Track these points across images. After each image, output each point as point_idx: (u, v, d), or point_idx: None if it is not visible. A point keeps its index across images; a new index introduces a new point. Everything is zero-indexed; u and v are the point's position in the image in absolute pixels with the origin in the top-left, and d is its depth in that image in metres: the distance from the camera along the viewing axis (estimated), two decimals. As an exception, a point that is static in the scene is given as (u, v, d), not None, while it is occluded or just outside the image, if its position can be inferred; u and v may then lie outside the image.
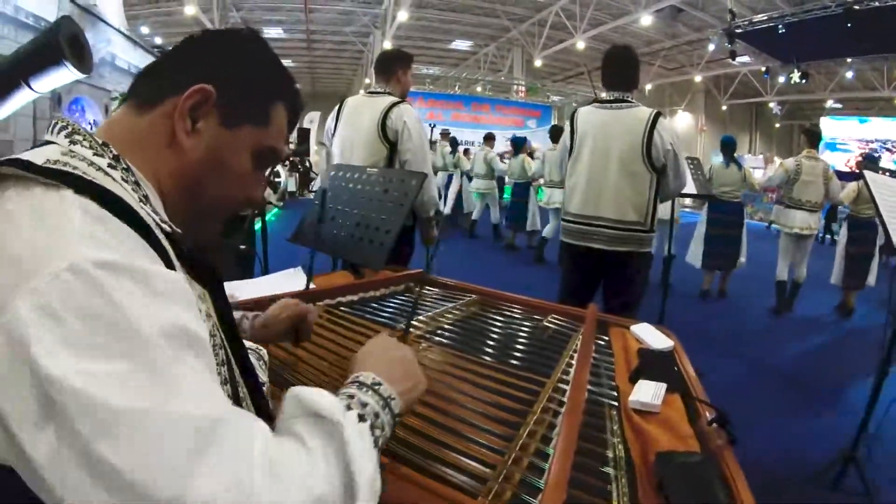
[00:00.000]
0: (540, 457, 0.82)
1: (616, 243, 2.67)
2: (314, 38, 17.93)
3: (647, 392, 1.01)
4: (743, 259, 5.86)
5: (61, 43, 1.64)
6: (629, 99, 2.71)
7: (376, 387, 0.67)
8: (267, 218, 9.33)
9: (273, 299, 1.46)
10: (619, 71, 2.76)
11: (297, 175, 13.87)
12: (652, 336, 1.36)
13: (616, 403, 1.04)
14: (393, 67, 2.99)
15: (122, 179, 0.60)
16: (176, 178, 0.67)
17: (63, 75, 1.72)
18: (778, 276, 5.60)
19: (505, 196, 10.38)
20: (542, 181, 8.32)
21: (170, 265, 0.57)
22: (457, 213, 10.18)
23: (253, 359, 0.82)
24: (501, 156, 9.89)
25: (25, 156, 0.55)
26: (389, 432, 0.66)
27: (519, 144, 8.53)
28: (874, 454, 2.37)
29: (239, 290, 1.73)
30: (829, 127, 16.32)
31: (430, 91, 17.55)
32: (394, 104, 2.82)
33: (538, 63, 17.05)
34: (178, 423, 0.45)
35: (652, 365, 1.15)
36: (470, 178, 9.68)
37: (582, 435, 0.88)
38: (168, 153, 0.66)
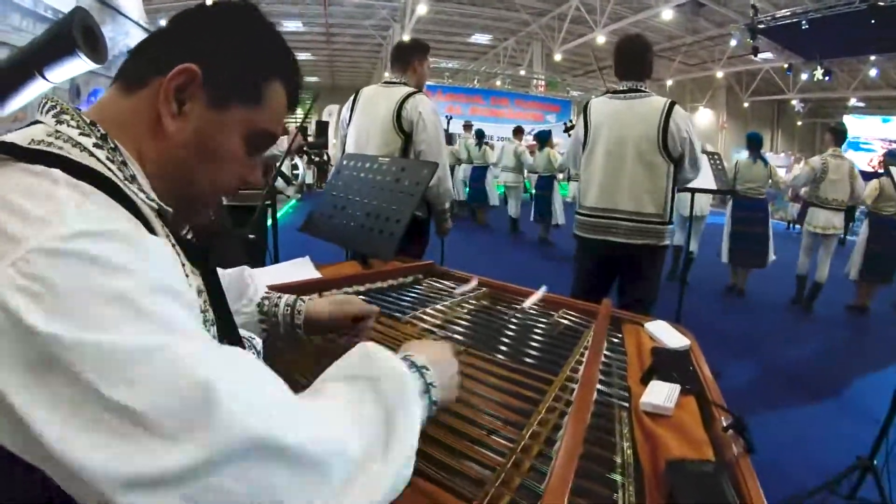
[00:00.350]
0: (543, 460, 0.78)
1: (634, 236, 2.62)
2: (333, 32, 17.91)
3: (660, 394, 0.96)
4: (774, 256, 5.76)
5: (74, 33, 1.63)
6: (643, 88, 2.66)
7: (424, 370, 0.71)
8: (284, 210, 9.40)
9: (282, 288, 1.44)
10: (632, 60, 2.71)
11: (315, 168, 13.90)
12: (667, 334, 1.30)
13: (626, 405, 0.99)
14: (409, 58, 2.96)
15: (108, 159, 0.57)
16: (162, 162, 0.64)
17: (77, 65, 1.71)
18: (799, 270, 5.64)
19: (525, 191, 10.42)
20: (561, 176, 8.37)
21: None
22: (480, 206, 10.17)
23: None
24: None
25: (9, 137, 0.54)
26: (426, 414, 0.68)
27: (544, 139, 8.62)
28: (893, 463, 2.29)
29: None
30: (852, 126, 15.97)
31: (449, 84, 17.50)
32: (409, 94, 2.78)
33: (558, 57, 16.93)
34: (192, 355, 0.46)
35: (666, 365, 1.10)
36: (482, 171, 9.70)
37: (588, 438, 0.84)
38: (153, 137, 0.63)
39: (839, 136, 5.38)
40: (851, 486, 2.30)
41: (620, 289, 2.79)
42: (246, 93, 0.67)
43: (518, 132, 9.73)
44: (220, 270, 1.09)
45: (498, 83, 18.99)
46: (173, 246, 0.60)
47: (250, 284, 1.05)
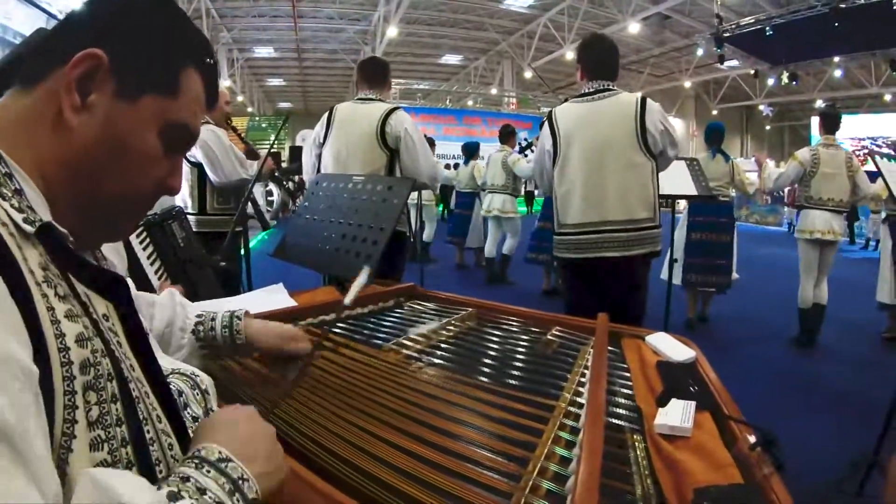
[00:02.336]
0: (555, 499, 0.67)
1: (631, 247, 2.39)
2: (304, 57, 17.94)
3: (676, 413, 0.86)
4: (736, 275, 4.83)
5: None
6: (612, 87, 2.47)
7: (222, 464, 0.53)
8: (259, 237, 9.21)
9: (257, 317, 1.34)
10: (601, 59, 2.52)
11: (289, 195, 13.73)
12: (670, 346, 1.21)
13: (638, 427, 0.89)
14: (384, 74, 2.96)
15: None
16: (64, 164, 0.54)
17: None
18: (801, 303, 4.40)
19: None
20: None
21: (17, 276, 0.43)
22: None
23: (185, 387, 0.70)
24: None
25: None
26: None
27: (472, 151, 7.58)
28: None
29: (221, 308, 1.60)
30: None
31: (421, 106, 17.55)
32: (392, 110, 2.75)
33: (528, 74, 17.08)
34: None
35: (675, 380, 1.01)
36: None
37: (602, 470, 0.73)
38: (54, 136, 0.54)
39: (831, 121, 4.47)
40: (858, 483, 2.23)
41: (612, 304, 2.56)
42: (160, 81, 0.59)
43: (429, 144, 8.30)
44: (151, 297, 0.98)
45: (470, 102, 19.07)
46: (48, 282, 0.47)
47: (179, 313, 0.98)
